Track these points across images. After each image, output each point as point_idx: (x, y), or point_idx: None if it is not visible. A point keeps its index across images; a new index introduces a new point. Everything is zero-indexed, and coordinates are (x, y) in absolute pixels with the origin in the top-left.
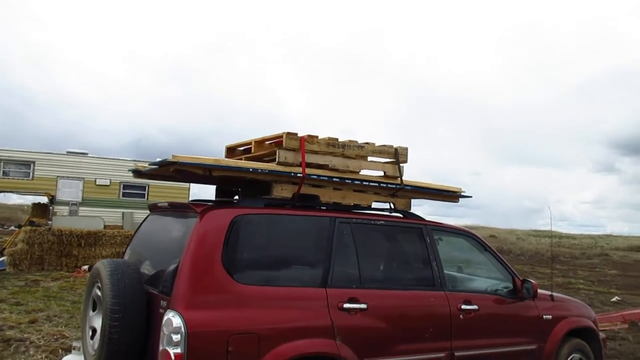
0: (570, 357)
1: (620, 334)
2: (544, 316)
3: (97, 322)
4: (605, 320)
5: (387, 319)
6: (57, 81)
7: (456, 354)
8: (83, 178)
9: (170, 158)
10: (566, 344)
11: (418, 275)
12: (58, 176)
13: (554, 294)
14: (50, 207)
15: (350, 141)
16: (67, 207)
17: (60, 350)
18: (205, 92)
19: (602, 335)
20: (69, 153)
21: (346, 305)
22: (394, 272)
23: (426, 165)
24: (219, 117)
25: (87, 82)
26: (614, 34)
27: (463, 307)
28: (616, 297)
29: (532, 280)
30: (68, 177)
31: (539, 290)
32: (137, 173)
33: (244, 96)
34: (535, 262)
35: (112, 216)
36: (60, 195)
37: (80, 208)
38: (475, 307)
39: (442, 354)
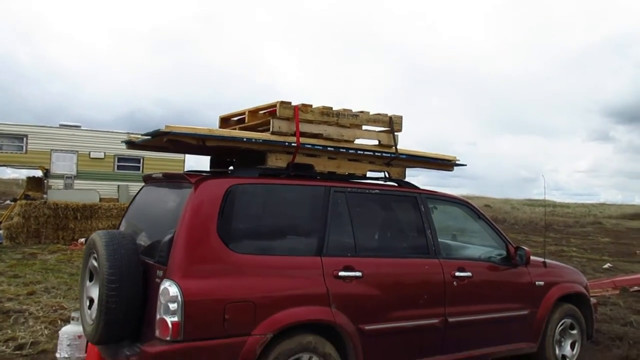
0: (562, 321)
1: (612, 300)
2: (537, 282)
3: (95, 293)
4: (597, 286)
5: (382, 287)
6: (47, 53)
7: (450, 319)
8: (77, 151)
9: (163, 128)
10: (558, 309)
11: (412, 243)
12: (52, 149)
13: (546, 260)
14: (45, 181)
15: (344, 110)
16: (62, 181)
17: (59, 321)
18: (199, 64)
19: (593, 300)
20: (62, 126)
21: (341, 273)
22: (388, 240)
23: (421, 135)
24: (213, 89)
25: (78, 54)
26: (612, 2)
27: (457, 274)
28: (608, 264)
29: (525, 248)
30: (62, 150)
31: (532, 257)
32: (130, 144)
33: (238, 67)
34: (529, 230)
35: (107, 189)
36: (55, 169)
37: (75, 181)
38: (468, 274)
39: (435, 320)
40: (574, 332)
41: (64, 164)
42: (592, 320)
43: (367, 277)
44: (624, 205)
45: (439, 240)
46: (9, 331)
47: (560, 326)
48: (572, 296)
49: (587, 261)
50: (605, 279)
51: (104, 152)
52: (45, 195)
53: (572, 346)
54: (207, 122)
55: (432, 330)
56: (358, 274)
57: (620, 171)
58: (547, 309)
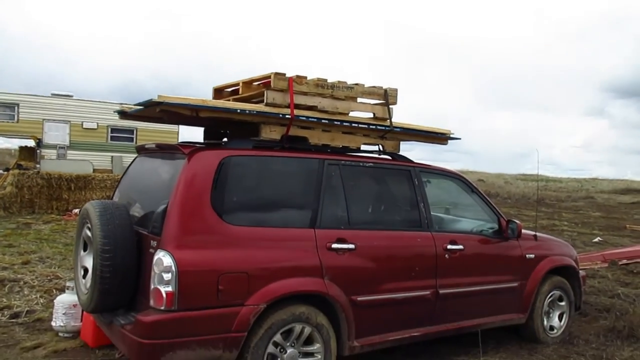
0: (551, 293)
1: (600, 272)
2: (527, 255)
3: (89, 262)
4: (586, 259)
5: (375, 259)
6: (38, 22)
7: (441, 291)
8: (69, 121)
9: (156, 98)
10: (547, 281)
11: (406, 216)
12: (44, 119)
13: (537, 234)
14: (38, 151)
15: (339, 82)
16: (54, 151)
17: (54, 290)
18: (194, 35)
19: (582, 273)
20: (54, 95)
21: (334, 246)
22: (382, 213)
23: (416, 110)
24: (208, 62)
25: (72, 24)
26: None
27: (449, 247)
28: (598, 237)
29: (516, 221)
30: (54, 120)
31: (523, 231)
32: (123, 114)
33: (234, 38)
34: (521, 205)
35: (100, 160)
36: (47, 139)
37: (68, 152)
38: (460, 247)
39: (427, 292)
40: (563, 303)
41: (56, 134)
42: (580, 292)
43: (360, 250)
44: (616, 180)
45: (432, 213)
46: (4, 300)
47: (549, 298)
48: (561, 269)
49: (577, 235)
50: (595, 252)
51: (97, 123)
52: (38, 165)
53: (560, 317)
54: (202, 95)
55: (424, 302)
56: (351, 246)
57: (615, 146)
58: (536, 281)
